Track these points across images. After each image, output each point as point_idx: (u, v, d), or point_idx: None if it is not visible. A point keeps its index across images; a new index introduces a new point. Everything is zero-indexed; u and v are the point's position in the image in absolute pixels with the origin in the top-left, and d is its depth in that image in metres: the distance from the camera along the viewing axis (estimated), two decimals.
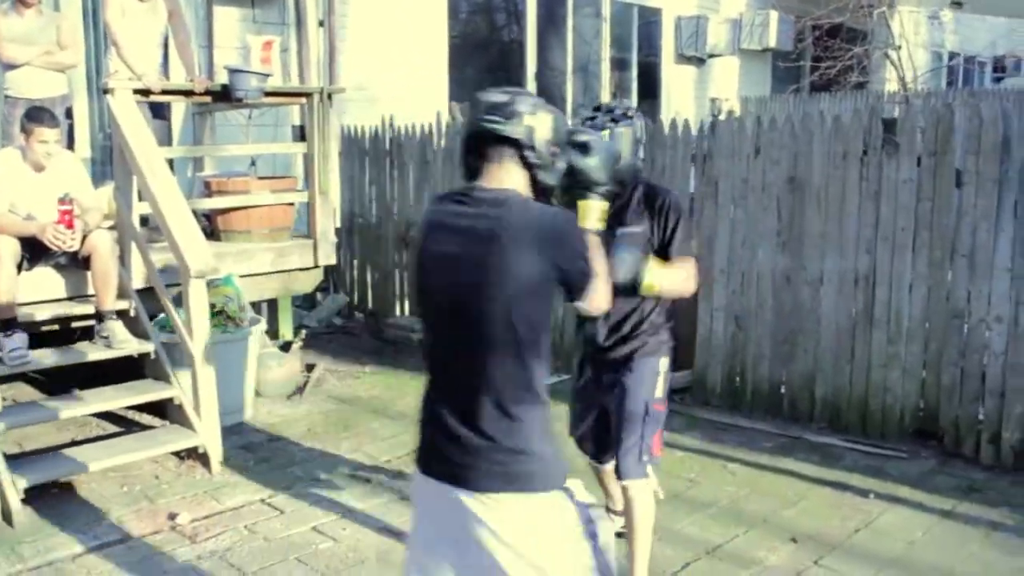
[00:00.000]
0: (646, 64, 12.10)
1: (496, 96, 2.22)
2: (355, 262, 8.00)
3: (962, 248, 4.72)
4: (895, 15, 11.90)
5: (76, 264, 5.01)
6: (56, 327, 5.09)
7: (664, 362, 3.26)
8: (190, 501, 4.30)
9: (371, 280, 7.87)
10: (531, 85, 10.52)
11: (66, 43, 5.87)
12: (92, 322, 5.04)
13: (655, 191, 3.23)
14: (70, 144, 5.97)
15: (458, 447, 2.16)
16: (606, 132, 2.96)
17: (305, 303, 7.74)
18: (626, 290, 2.90)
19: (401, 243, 7.51)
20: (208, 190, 6.46)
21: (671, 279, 3.06)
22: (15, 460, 4.39)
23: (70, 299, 5.15)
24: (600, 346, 3.27)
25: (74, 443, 4.86)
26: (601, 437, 3.47)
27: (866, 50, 11.79)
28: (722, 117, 6.69)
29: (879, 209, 4.96)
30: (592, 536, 2.34)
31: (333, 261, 6.72)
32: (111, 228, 5.27)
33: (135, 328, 5.06)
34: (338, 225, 7.49)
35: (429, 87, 9.21)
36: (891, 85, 12.90)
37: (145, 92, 5.59)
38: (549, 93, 10.61)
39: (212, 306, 5.18)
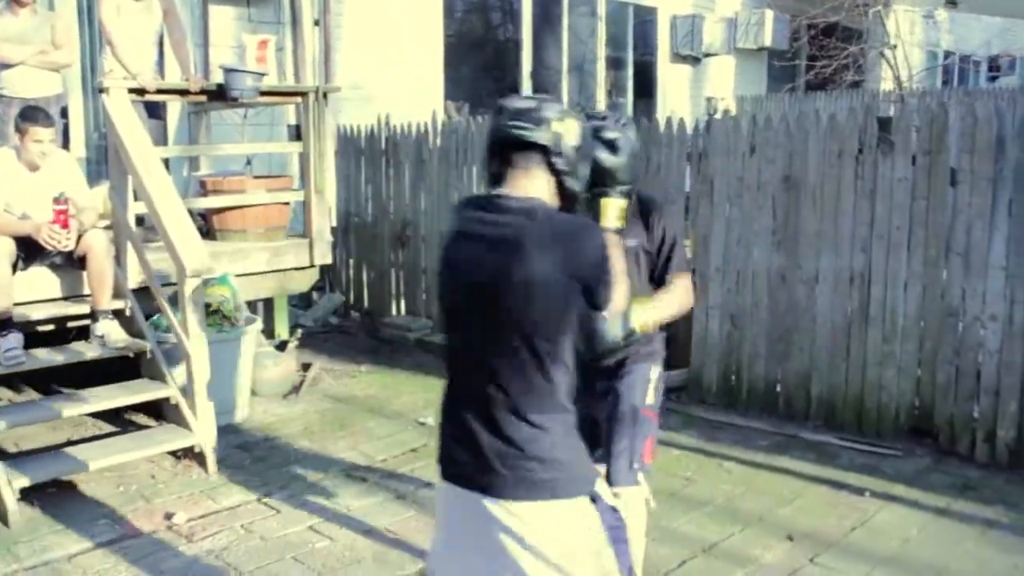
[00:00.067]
0: (642, 63, 12.11)
1: (523, 102, 2.22)
2: (351, 261, 7.99)
3: (957, 246, 4.73)
4: (890, 14, 11.92)
5: (71, 264, 5.00)
6: (52, 327, 5.08)
7: (655, 370, 3.20)
8: (186, 500, 4.30)
9: (367, 279, 7.87)
10: (527, 84, 10.53)
11: (61, 42, 5.86)
12: (88, 322, 5.03)
13: (649, 203, 3.18)
14: (65, 143, 5.97)
15: (481, 454, 2.15)
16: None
17: (301, 302, 7.73)
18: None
19: (397, 242, 7.51)
20: (204, 189, 6.45)
21: (661, 310, 2.97)
22: (11, 460, 4.39)
23: (65, 299, 5.14)
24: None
25: (70, 443, 4.86)
26: (593, 446, 3.45)
27: (861, 49, 11.80)
28: (718, 116, 6.70)
29: (874, 208, 4.97)
30: (616, 541, 2.35)
31: (329, 260, 6.71)
32: (106, 228, 5.27)
33: (131, 328, 5.06)
34: (334, 224, 7.48)
35: (425, 86, 9.21)
36: (886, 84, 12.93)
37: (140, 91, 5.57)
38: (545, 92, 10.60)
39: (208, 305, 5.18)
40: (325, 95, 6.42)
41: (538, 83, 10.64)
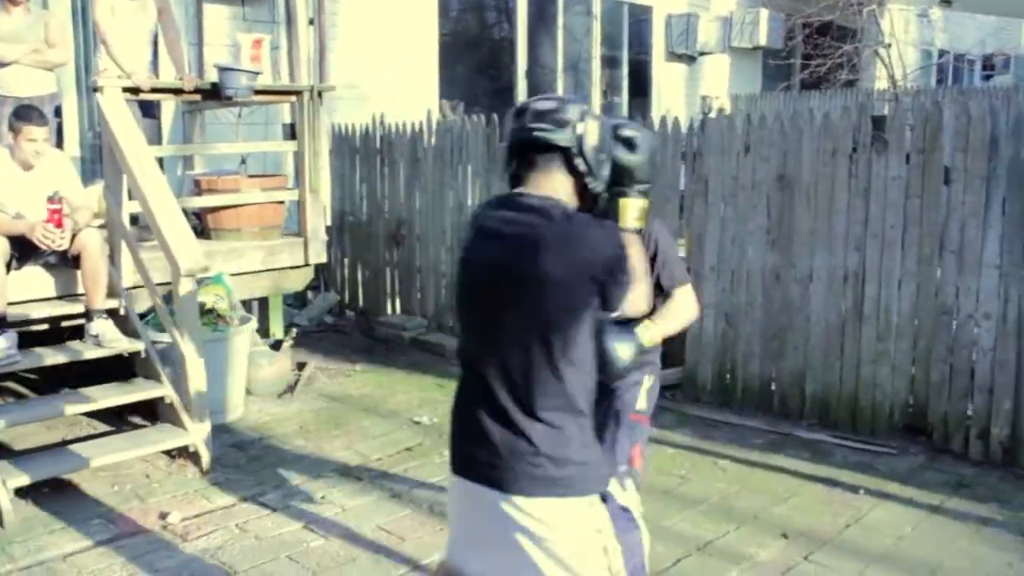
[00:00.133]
0: (637, 62, 12.11)
1: (544, 103, 2.22)
2: (346, 260, 7.99)
3: (951, 245, 4.74)
4: (885, 13, 11.96)
5: (66, 263, 5.00)
6: (46, 326, 5.07)
7: (649, 379, 3.17)
8: (181, 500, 4.30)
9: (362, 278, 7.87)
10: (521, 83, 10.53)
11: (54, 41, 5.85)
12: (82, 321, 5.02)
13: None
14: (59, 143, 5.96)
15: (494, 450, 2.16)
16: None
17: (296, 301, 7.73)
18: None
19: (392, 241, 7.51)
20: (198, 188, 6.45)
21: (668, 324, 2.96)
22: (5, 459, 4.37)
23: (60, 298, 5.13)
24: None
25: (64, 442, 4.85)
26: None
27: (856, 48, 11.84)
28: (712, 115, 6.71)
29: (868, 206, 4.98)
30: (626, 539, 2.36)
31: (324, 259, 6.71)
32: (101, 227, 5.26)
33: (125, 327, 5.04)
34: (329, 223, 7.47)
35: (419, 85, 9.21)
36: (881, 83, 12.95)
37: (135, 90, 5.57)
38: (540, 91, 10.59)
39: (202, 305, 5.17)
40: (320, 94, 6.42)
41: (533, 82, 10.64)
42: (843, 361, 5.13)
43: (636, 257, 2.31)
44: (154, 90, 5.82)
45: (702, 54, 12.49)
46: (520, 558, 2.17)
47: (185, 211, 5.33)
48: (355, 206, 7.83)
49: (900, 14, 13.64)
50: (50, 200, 4.72)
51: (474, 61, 10.65)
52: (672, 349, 5.23)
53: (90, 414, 4.98)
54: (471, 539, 2.33)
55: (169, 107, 7.15)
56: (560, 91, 10.92)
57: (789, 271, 5.29)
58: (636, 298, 2.25)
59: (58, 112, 6.07)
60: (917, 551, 3.77)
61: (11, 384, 5.49)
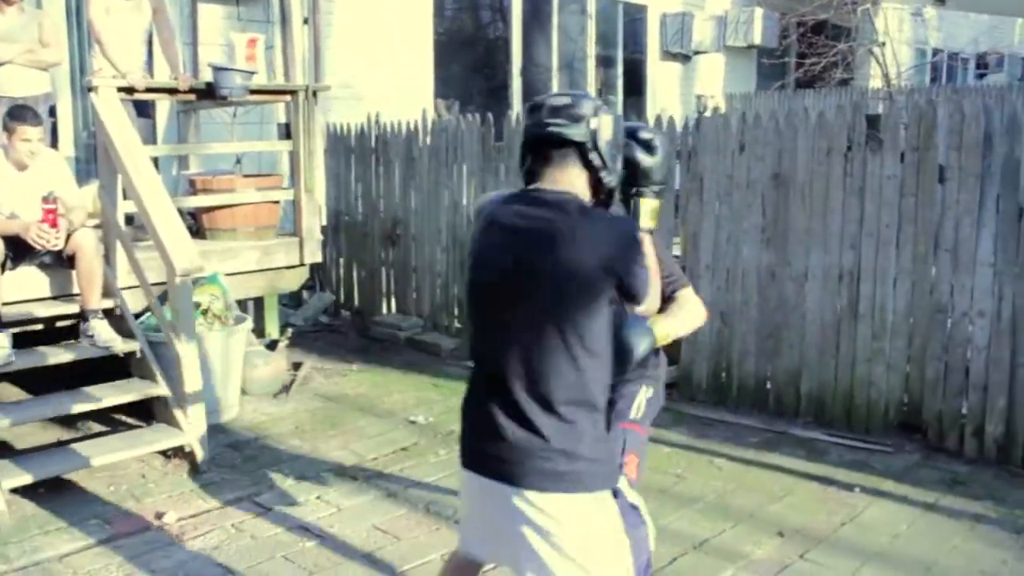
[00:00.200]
0: (632, 61, 12.12)
1: (558, 99, 2.25)
2: (341, 260, 7.98)
3: (945, 243, 4.75)
4: (879, 12, 11.97)
5: (60, 263, 4.99)
6: (41, 326, 5.06)
7: (648, 390, 3.13)
8: (177, 500, 4.29)
9: (357, 278, 7.86)
10: (516, 82, 10.53)
11: (48, 41, 5.83)
12: (77, 321, 5.01)
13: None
14: (54, 142, 5.94)
15: (506, 444, 2.17)
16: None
17: (291, 301, 7.72)
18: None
19: (387, 241, 7.51)
20: (193, 188, 6.44)
21: (679, 323, 2.93)
22: (1, 459, 4.36)
23: (55, 298, 5.12)
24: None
25: (60, 443, 4.85)
26: None
27: (850, 46, 11.85)
28: (707, 114, 6.72)
29: (863, 205, 4.99)
30: (635, 535, 2.38)
31: (319, 259, 6.71)
32: (96, 227, 5.25)
33: (120, 327, 5.04)
34: (324, 223, 7.48)
35: (415, 84, 9.21)
36: (875, 81, 12.98)
37: (129, 90, 5.56)
38: (534, 90, 10.61)
39: (197, 304, 5.17)
40: (315, 94, 6.41)
41: (528, 81, 10.65)
42: (838, 359, 5.14)
43: (650, 255, 2.33)
44: (149, 90, 5.81)
45: (697, 53, 12.50)
46: (530, 552, 2.18)
47: (180, 211, 5.32)
48: (350, 206, 7.82)
49: (894, 13, 13.66)
50: (45, 200, 4.71)
51: (469, 60, 10.65)
52: (668, 348, 5.22)
53: (85, 414, 4.97)
54: (483, 532, 2.36)
55: (164, 107, 7.14)
56: (556, 90, 10.94)
57: (784, 269, 5.29)
58: (651, 298, 2.27)
59: (52, 112, 6.06)
60: (912, 549, 3.78)
61: (5, 385, 5.48)
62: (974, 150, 4.60)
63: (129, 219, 5.54)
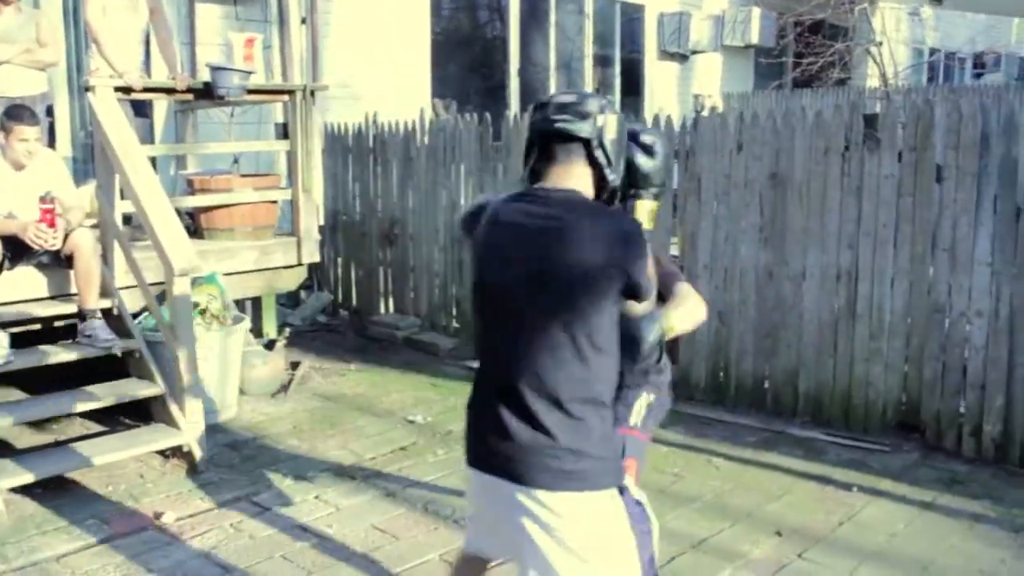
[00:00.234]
0: (629, 60, 12.12)
1: (565, 97, 2.28)
2: (339, 260, 7.98)
3: (943, 243, 4.75)
4: (876, 11, 11.98)
5: (58, 263, 4.98)
6: (39, 326, 5.06)
7: (649, 396, 3.11)
8: (175, 500, 4.29)
9: (355, 277, 7.86)
10: (514, 82, 10.53)
11: (46, 40, 5.83)
12: (75, 321, 5.01)
13: None
14: (51, 142, 5.94)
15: (512, 443, 2.18)
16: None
17: (289, 301, 7.72)
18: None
19: (385, 240, 7.51)
20: (191, 188, 6.44)
21: (684, 314, 2.78)
22: None
23: (52, 298, 5.12)
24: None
25: (57, 443, 4.84)
26: None
27: (847, 46, 11.86)
28: (705, 113, 6.72)
29: (861, 204, 4.99)
30: (640, 532, 2.39)
31: (317, 259, 6.71)
32: (93, 227, 5.25)
33: (118, 327, 5.04)
34: (322, 223, 7.47)
35: (412, 84, 9.21)
36: (872, 81, 12.99)
37: (127, 90, 5.56)
38: (532, 90, 10.62)
39: (195, 304, 5.16)
40: (312, 93, 6.42)
41: (525, 81, 10.65)
42: (836, 359, 5.15)
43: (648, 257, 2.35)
44: (146, 89, 5.81)
45: (694, 52, 12.51)
46: (535, 550, 2.19)
47: (178, 211, 5.32)
48: (348, 205, 7.82)
49: (891, 12, 13.66)
50: (42, 200, 4.71)
51: (467, 60, 10.65)
52: (667, 347, 5.22)
53: (83, 414, 4.98)
54: (489, 530, 2.38)
55: (161, 106, 7.14)
56: (552, 90, 10.94)
57: (782, 269, 5.30)
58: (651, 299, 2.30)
59: (50, 112, 6.06)
60: (910, 548, 3.79)
61: (3, 385, 5.47)
62: (971, 150, 4.60)
63: (127, 219, 5.54)
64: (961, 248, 4.68)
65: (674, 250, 5.76)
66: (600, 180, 2.27)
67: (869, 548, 3.78)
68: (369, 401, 5.78)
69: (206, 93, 5.94)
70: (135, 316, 5.21)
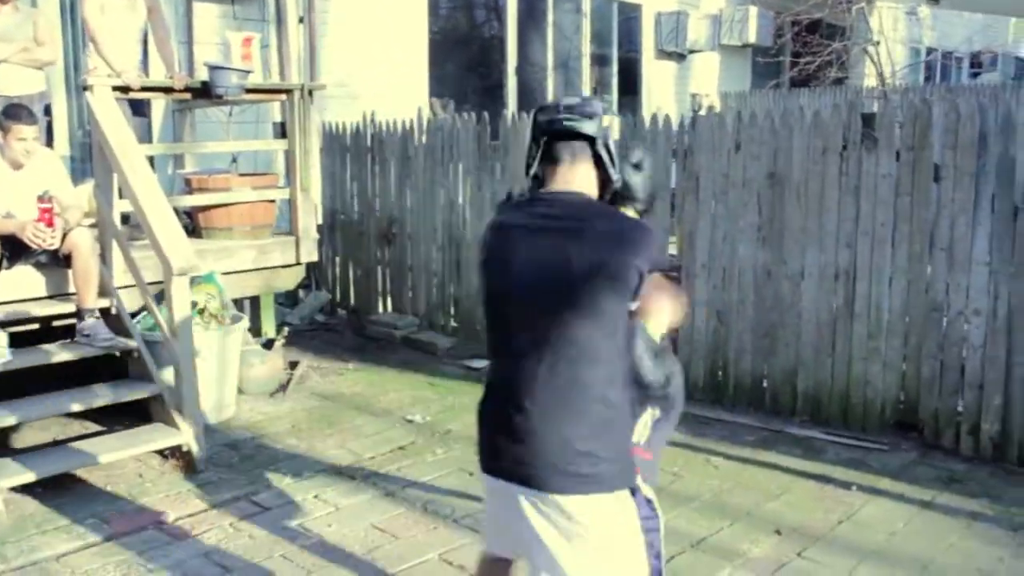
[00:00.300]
0: (626, 60, 12.12)
1: (570, 99, 2.32)
2: (337, 259, 7.98)
3: (941, 242, 4.76)
4: (873, 11, 12.00)
5: (56, 262, 4.98)
6: (37, 326, 5.05)
7: (651, 411, 3.11)
8: (174, 499, 4.29)
9: (353, 277, 7.86)
10: (511, 81, 10.53)
11: (43, 39, 5.83)
12: (73, 320, 5.00)
13: None
14: (49, 141, 5.94)
15: (525, 447, 2.19)
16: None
17: (287, 300, 7.71)
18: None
19: (383, 239, 7.51)
20: (189, 187, 6.44)
21: (659, 318, 2.72)
22: None
23: (51, 298, 5.12)
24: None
25: (56, 442, 4.84)
26: None
27: (845, 45, 11.88)
28: (703, 112, 6.72)
29: (859, 204, 5.00)
30: (650, 532, 2.40)
31: (315, 258, 6.71)
32: (91, 226, 5.25)
33: (117, 326, 5.03)
34: (320, 222, 7.47)
35: (410, 83, 9.20)
36: (870, 80, 13.00)
37: (125, 89, 5.55)
38: (530, 89, 10.63)
39: (194, 304, 5.16)
40: (310, 92, 6.42)
41: (523, 80, 10.64)
42: (834, 358, 5.15)
43: None
44: (144, 88, 5.80)
45: (692, 52, 12.51)
46: (549, 554, 2.19)
47: (176, 210, 5.32)
48: (346, 204, 7.82)
49: (889, 12, 13.69)
50: (40, 199, 4.70)
51: (464, 59, 10.64)
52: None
53: (82, 414, 4.97)
54: (505, 534, 2.38)
55: (159, 106, 7.13)
56: (550, 89, 10.96)
57: (780, 268, 5.30)
58: (661, 314, 2.37)
59: (47, 111, 6.06)
60: (909, 547, 3.80)
61: (2, 385, 5.47)
62: (969, 149, 4.61)
63: (125, 218, 5.53)
64: (959, 247, 4.69)
65: (672, 249, 5.77)
66: (603, 180, 2.30)
67: (868, 547, 3.79)
68: (367, 400, 5.78)
69: (204, 92, 5.94)
70: (133, 315, 5.20)
